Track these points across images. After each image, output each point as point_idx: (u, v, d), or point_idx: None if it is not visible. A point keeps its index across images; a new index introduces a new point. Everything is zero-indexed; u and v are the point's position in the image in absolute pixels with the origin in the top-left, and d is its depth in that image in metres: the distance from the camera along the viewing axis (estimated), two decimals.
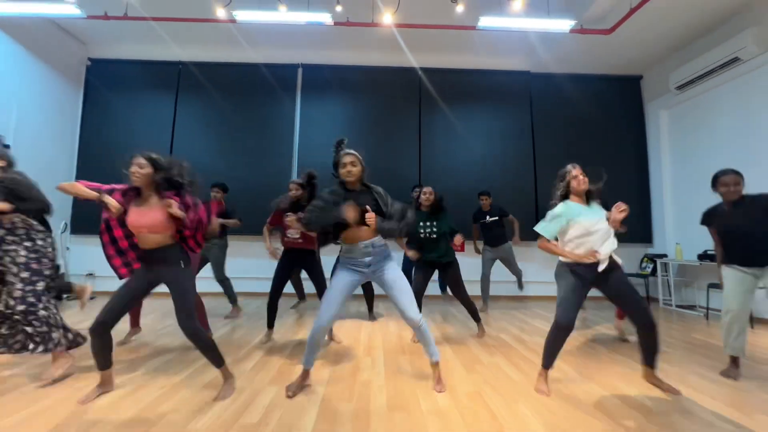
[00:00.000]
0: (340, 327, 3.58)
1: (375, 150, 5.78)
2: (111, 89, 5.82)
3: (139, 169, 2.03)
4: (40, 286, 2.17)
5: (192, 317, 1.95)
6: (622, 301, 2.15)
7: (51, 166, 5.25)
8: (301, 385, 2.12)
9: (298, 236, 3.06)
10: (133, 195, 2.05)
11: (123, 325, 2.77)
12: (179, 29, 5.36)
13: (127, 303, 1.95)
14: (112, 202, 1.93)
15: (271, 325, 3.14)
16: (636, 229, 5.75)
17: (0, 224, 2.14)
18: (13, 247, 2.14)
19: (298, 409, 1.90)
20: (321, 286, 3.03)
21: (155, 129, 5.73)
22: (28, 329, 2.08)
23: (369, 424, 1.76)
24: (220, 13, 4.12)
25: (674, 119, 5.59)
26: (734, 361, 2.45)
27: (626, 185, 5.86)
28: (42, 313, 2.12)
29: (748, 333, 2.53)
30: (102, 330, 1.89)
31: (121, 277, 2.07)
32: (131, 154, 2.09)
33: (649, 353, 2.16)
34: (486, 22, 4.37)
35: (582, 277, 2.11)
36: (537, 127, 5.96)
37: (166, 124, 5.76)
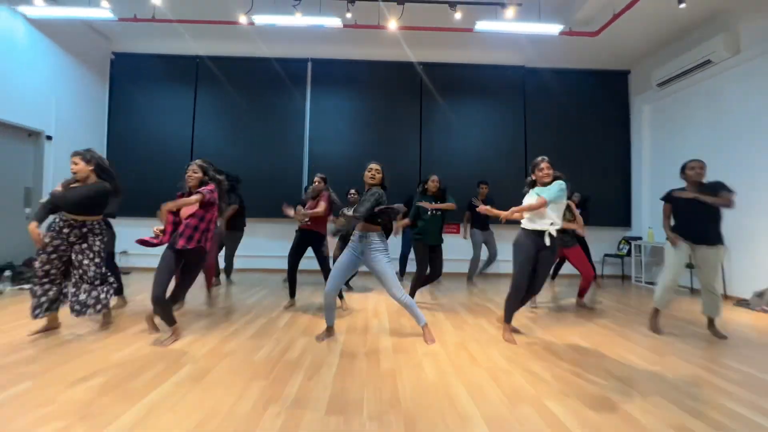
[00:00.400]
0: (350, 297, 4.23)
1: (379, 141, 6.30)
2: (134, 82, 6.27)
3: (194, 173, 2.62)
4: (103, 269, 2.78)
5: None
6: (537, 274, 2.77)
7: None
8: (326, 336, 2.77)
9: (308, 221, 3.66)
10: (184, 194, 2.65)
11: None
12: (196, 25, 5.75)
13: (168, 275, 2.56)
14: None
15: (292, 294, 3.78)
16: (617, 214, 6.34)
17: (85, 224, 2.71)
18: (92, 239, 2.73)
19: (326, 351, 2.54)
20: (324, 264, 3.69)
21: (177, 120, 6.23)
22: (95, 296, 2.71)
23: (378, 360, 2.40)
24: (242, 19, 4.54)
25: (655, 114, 6.07)
26: (656, 312, 3.10)
27: (611, 174, 6.39)
28: (104, 287, 2.75)
29: (673, 294, 3.13)
30: (159, 301, 2.51)
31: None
32: (187, 162, 2.70)
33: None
34: (482, 26, 4.81)
35: (533, 246, 2.72)
36: (529, 120, 6.44)
37: (187, 115, 6.25)
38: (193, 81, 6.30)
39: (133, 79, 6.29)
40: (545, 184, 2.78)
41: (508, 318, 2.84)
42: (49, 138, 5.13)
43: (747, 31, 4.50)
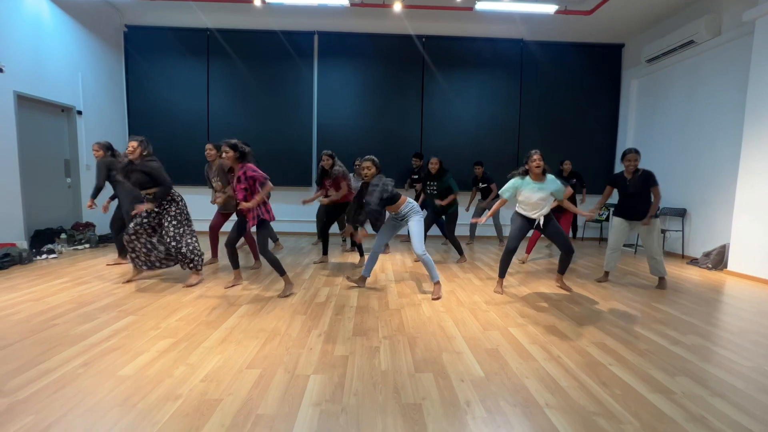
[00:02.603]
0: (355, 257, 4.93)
1: (383, 111, 6.72)
2: (148, 56, 6.55)
3: (226, 154, 3.15)
4: (182, 230, 3.40)
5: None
6: (555, 239, 3.42)
7: (112, 126, 6.25)
8: (355, 280, 3.47)
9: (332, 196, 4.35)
10: (231, 172, 3.23)
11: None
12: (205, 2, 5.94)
13: (237, 232, 3.24)
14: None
15: (325, 252, 4.53)
16: (601, 182, 6.91)
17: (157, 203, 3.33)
18: (167, 207, 3.35)
19: (346, 295, 3.25)
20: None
21: (192, 94, 6.59)
22: (178, 256, 3.38)
23: (387, 302, 3.12)
24: (256, 0, 4.82)
25: (642, 88, 6.45)
26: (606, 274, 3.88)
27: (598, 144, 6.89)
28: (184, 249, 3.39)
29: (619, 257, 3.89)
30: (230, 247, 3.23)
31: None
32: (220, 144, 3.25)
33: (562, 266, 3.52)
34: (482, 5, 5.09)
35: (525, 222, 3.37)
36: (524, 91, 6.81)
37: (201, 89, 6.61)
38: (205, 54, 6.58)
39: (146, 52, 6.56)
40: (539, 175, 3.29)
41: (501, 273, 3.52)
42: (79, 113, 5.56)
43: (728, 15, 4.82)
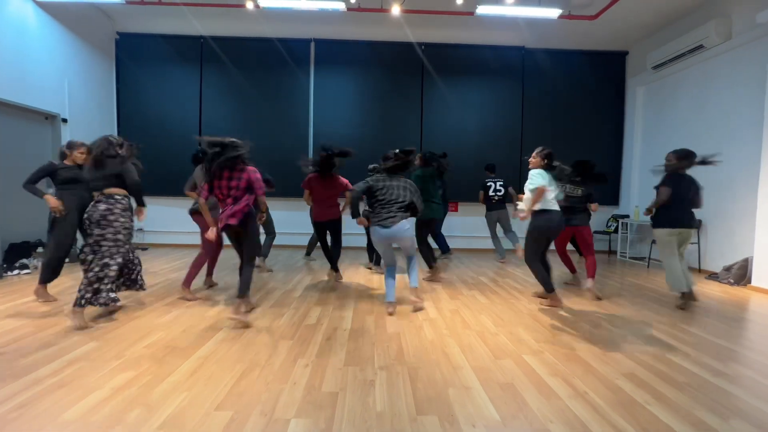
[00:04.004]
0: (356, 273, 4.61)
1: (381, 120, 6.50)
2: (140, 63, 6.37)
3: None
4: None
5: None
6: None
7: (100, 134, 5.94)
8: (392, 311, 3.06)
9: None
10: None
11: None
12: (199, 4, 5.77)
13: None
14: None
15: (335, 268, 4.15)
16: (606, 192, 6.65)
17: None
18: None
19: (339, 317, 2.93)
20: (337, 245, 4.11)
21: (185, 102, 6.39)
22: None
23: (385, 324, 2.80)
24: (249, 4, 4.65)
25: (649, 96, 6.25)
26: (683, 295, 3.37)
27: (603, 153, 6.64)
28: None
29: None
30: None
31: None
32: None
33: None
34: (483, 10, 4.92)
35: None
36: (527, 99, 6.61)
37: (193, 97, 6.40)
38: (198, 62, 6.40)
39: (138, 59, 6.39)
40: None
41: (548, 287, 3.27)
42: (64, 121, 5.33)
43: (739, 18, 4.64)
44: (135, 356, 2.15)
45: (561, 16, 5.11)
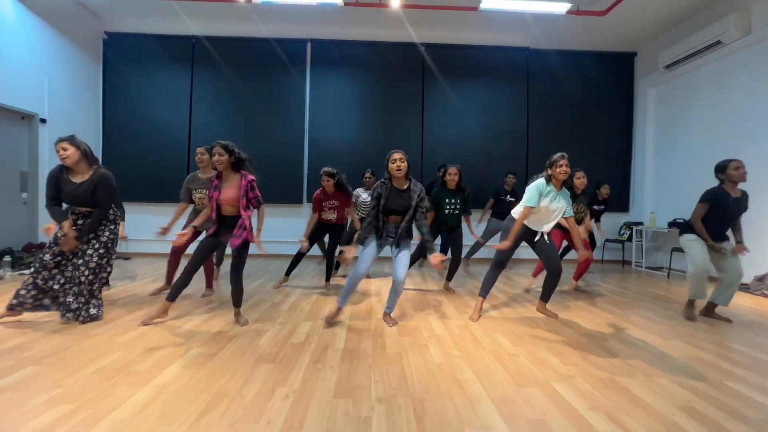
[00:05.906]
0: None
1: (380, 123, 6.19)
2: (128, 64, 6.09)
3: (220, 156, 2.55)
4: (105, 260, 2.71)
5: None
6: (544, 255, 2.92)
7: (82, 136, 5.63)
8: (333, 319, 2.75)
9: (334, 218, 3.83)
10: (219, 179, 2.61)
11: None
12: (192, 2, 5.54)
13: (204, 256, 2.57)
14: None
15: (327, 277, 3.91)
16: (616, 198, 6.29)
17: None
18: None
19: (330, 335, 2.53)
20: (332, 252, 3.87)
21: (174, 103, 6.08)
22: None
23: (384, 343, 2.40)
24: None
25: (661, 97, 5.96)
26: (691, 303, 3.09)
27: (611, 158, 6.33)
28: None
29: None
30: (192, 271, 2.60)
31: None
32: (212, 144, 2.63)
33: (547, 291, 3.02)
34: (487, 4, 4.66)
35: (525, 233, 2.90)
36: (532, 102, 6.32)
37: (184, 98, 6.10)
38: (189, 62, 6.13)
39: (127, 60, 6.11)
40: (560, 183, 2.83)
41: (483, 292, 3.05)
42: (43, 121, 5.00)
43: (759, 11, 4.37)
44: (77, 385, 1.75)
45: (569, 12, 4.86)
